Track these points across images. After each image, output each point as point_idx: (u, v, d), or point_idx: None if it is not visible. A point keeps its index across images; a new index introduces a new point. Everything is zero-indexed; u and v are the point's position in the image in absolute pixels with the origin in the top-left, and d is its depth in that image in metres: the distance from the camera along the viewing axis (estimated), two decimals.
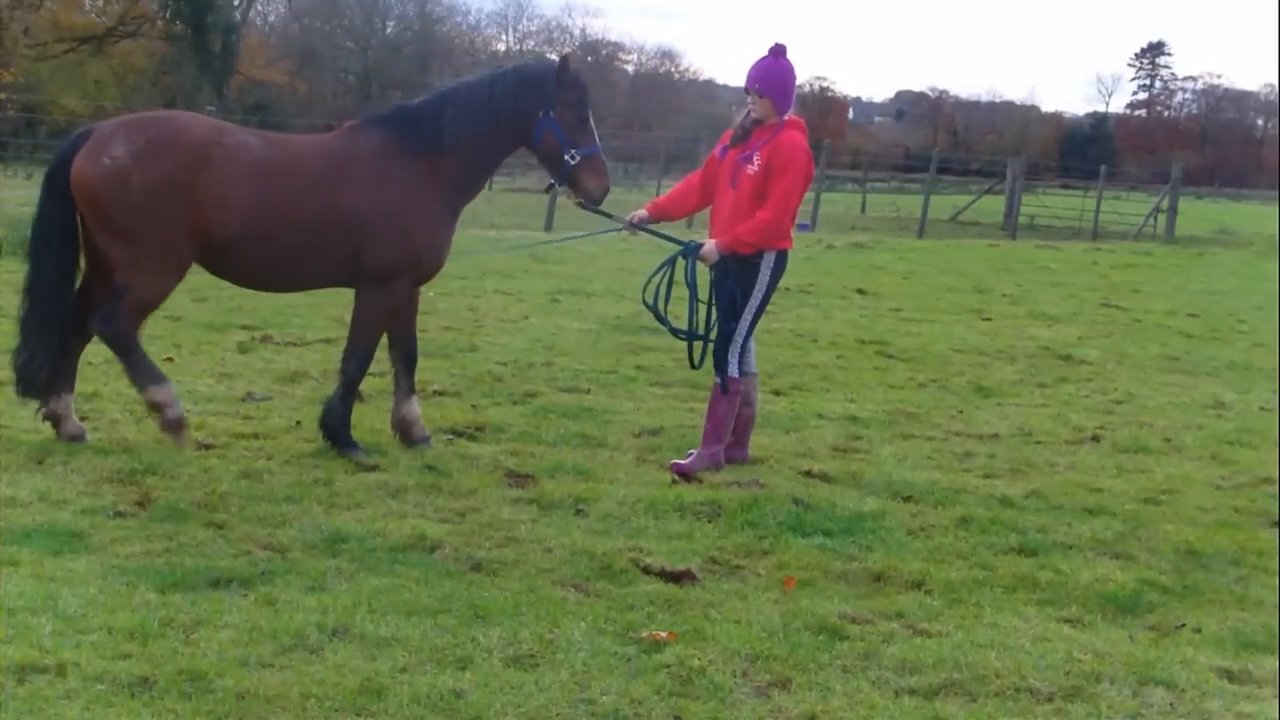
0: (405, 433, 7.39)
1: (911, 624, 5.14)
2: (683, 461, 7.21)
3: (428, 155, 7.10)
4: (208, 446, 7.08)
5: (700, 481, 6.92)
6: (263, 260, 7.04)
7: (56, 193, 6.85)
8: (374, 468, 6.87)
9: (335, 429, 7.14)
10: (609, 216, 7.65)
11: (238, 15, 57.93)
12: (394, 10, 72.77)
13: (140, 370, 6.93)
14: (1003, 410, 9.50)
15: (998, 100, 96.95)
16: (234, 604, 4.89)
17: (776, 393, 9.53)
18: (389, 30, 72.42)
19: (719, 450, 7.27)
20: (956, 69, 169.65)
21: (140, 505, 6.01)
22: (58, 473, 6.41)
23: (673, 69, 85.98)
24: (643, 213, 7.53)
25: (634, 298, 14.44)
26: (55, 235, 6.88)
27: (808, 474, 7.26)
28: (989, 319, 14.72)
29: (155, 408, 6.92)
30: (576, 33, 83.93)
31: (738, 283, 7.14)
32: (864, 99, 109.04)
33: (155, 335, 10.17)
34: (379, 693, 4.24)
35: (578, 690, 4.36)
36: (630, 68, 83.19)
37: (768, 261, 7.17)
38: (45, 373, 6.92)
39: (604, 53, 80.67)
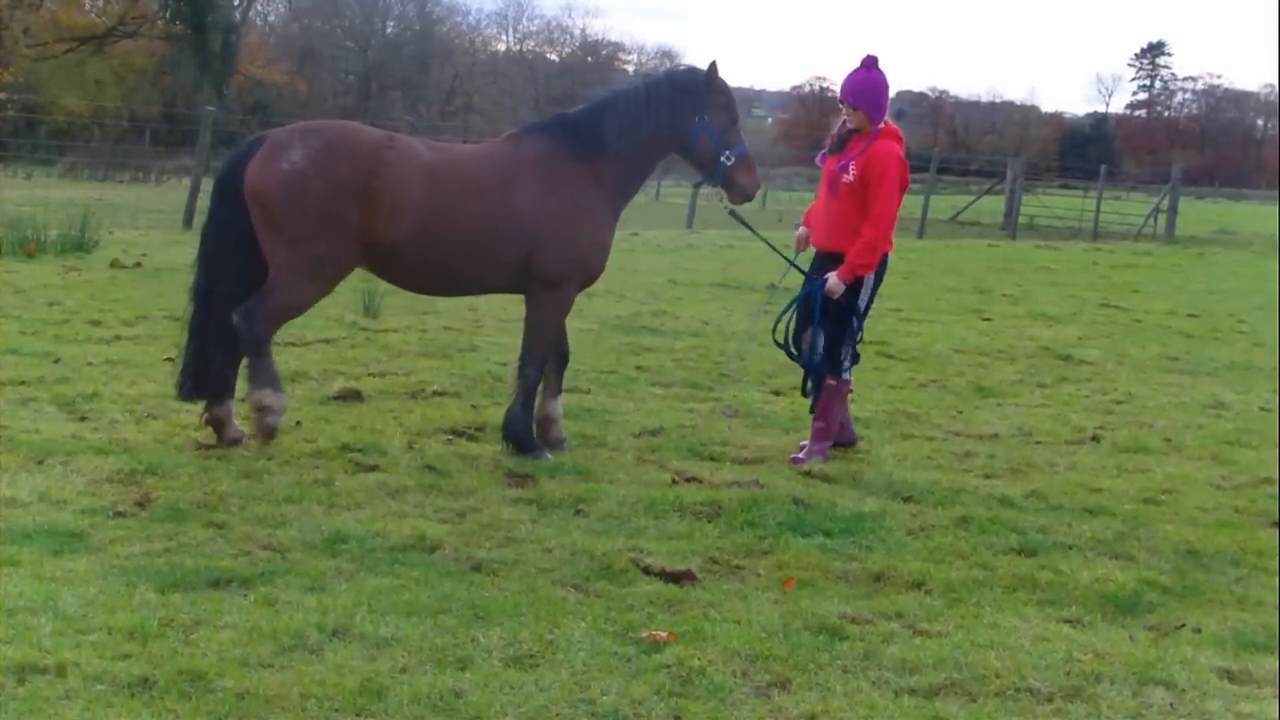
0: (544, 430, 7.47)
1: (911, 624, 5.13)
2: (799, 455, 7.60)
3: (590, 162, 7.28)
4: (208, 446, 7.07)
5: (700, 482, 6.93)
6: (434, 262, 7.12)
7: (230, 197, 6.93)
8: (374, 468, 6.88)
9: (520, 436, 7.30)
10: (749, 227, 7.87)
11: (238, 15, 57.99)
12: (394, 10, 72.83)
13: (263, 372, 6.98)
14: (1003, 410, 9.51)
15: (998, 100, 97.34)
16: (234, 604, 4.89)
17: (776, 393, 9.54)
18: (389, 30, 72.48)
19: (828, 446, 7.69)
20: (956, 69, 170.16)
21: (140, 505, 6.00)
22: (58, 473, 6.40)
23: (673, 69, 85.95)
24: (803, 230, 7.87)
25: (634, 297, 14.48)
26: (232, 238, 6.95)
27: (808, 474, 7.27)
28: (989, 319, 14.73)
29: (261, 409, 6.98)
30: (576, 33, 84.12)
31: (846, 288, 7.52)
32: None
33: (156, 335, 10.18)
34: (379, 693, 4.23)
35: (578, 690, 4.35)
36: (630, 68, 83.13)
37: None
38: (223, 376, 7.06)
39: (604, 53, 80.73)
